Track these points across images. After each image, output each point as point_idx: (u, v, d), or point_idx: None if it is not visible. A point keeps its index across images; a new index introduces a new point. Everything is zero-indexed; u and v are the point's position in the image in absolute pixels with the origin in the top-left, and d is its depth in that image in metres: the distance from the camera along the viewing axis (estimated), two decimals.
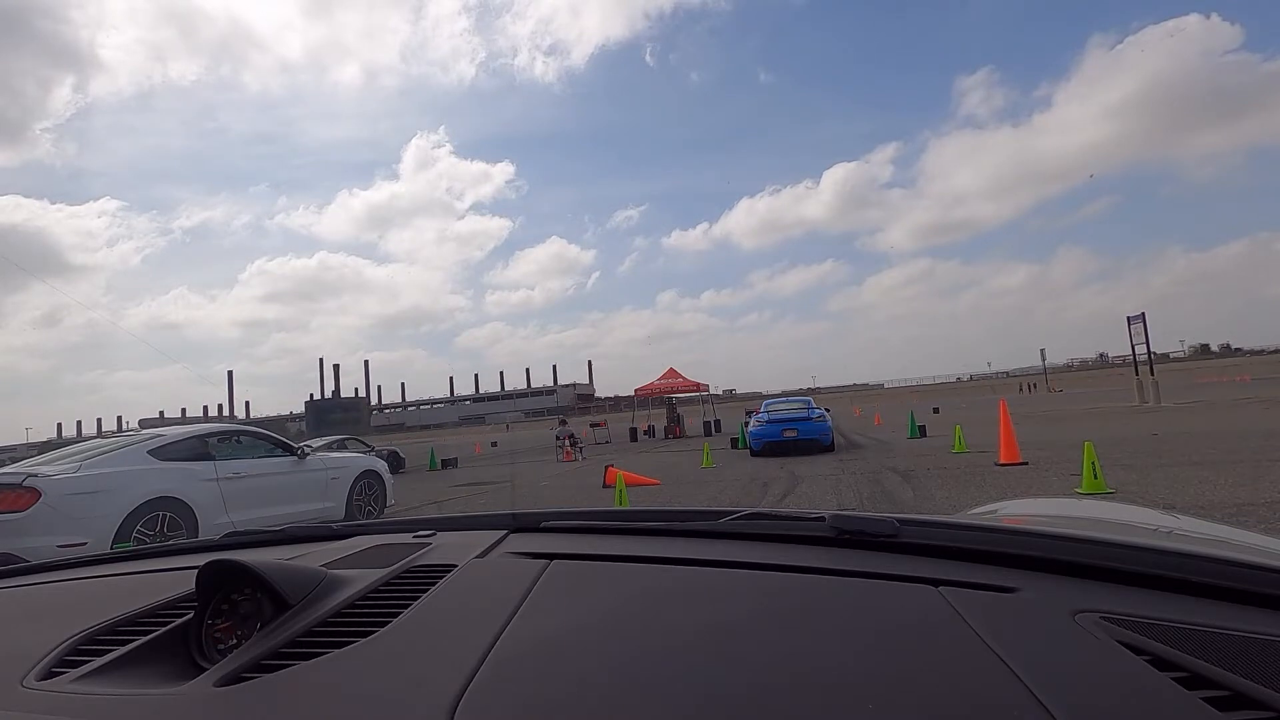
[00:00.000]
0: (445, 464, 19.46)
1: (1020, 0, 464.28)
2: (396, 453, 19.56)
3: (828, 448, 13.15)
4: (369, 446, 18.22)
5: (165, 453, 6.14)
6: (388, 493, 8.48)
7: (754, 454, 13.43)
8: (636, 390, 27.71)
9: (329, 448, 14.80)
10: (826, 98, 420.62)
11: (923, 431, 15.90)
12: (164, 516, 5.80)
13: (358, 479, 8.00)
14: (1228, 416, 14.79)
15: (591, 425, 28.97)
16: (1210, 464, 7.70)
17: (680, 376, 27.23)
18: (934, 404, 39.00)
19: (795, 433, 13.04)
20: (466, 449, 31.01)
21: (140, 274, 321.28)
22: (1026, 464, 8.83)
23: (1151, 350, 22.68)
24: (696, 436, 23.28)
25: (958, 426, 13.55)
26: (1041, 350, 61.28)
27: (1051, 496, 5.71)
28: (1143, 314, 22.43)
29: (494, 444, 31.37)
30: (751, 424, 14.01)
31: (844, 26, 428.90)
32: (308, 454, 7.46)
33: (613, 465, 10.25)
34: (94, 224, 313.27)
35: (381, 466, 8.60)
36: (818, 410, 13.87)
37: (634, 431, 26.54)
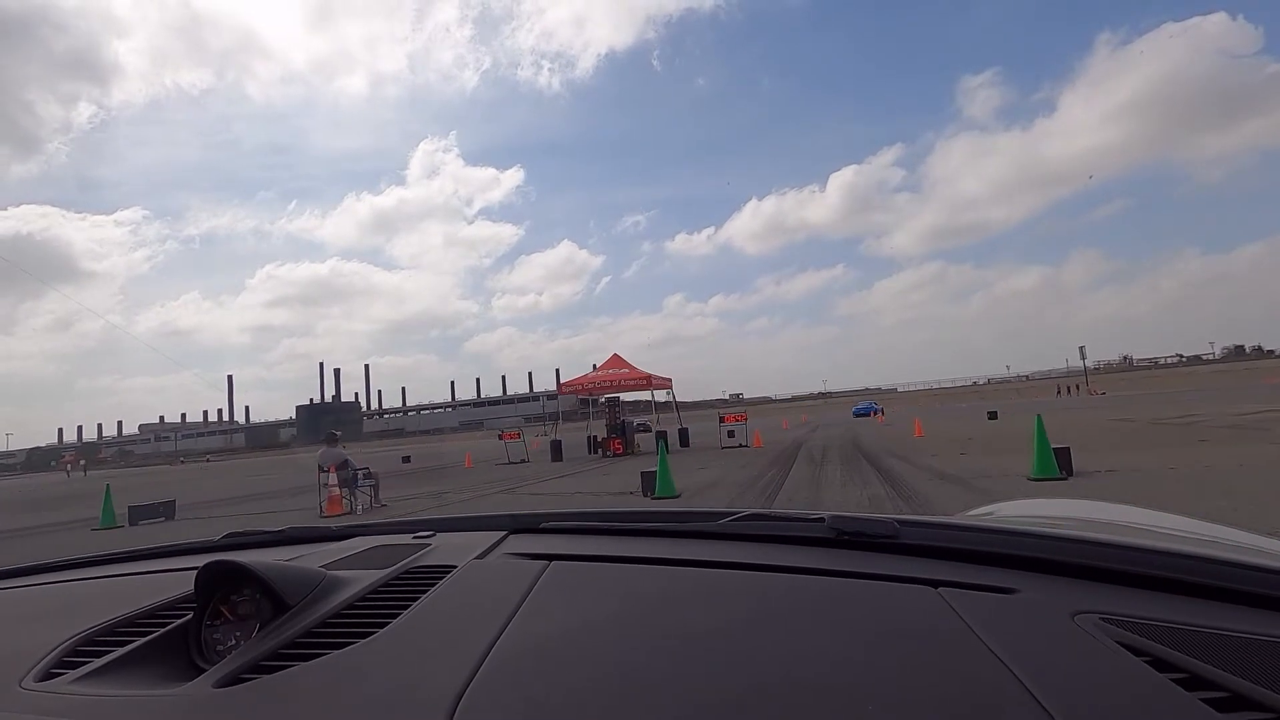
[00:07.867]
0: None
1: (1027, 3, 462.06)
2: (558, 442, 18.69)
3: (875, 414, 43.82)
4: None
5: None
6: None
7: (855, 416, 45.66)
8: (561, 386, 20.83)
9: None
10: (832, 102, 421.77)
11: (1066, 465, 8.38)
12: None
13: None
14: None
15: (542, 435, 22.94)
16: None
17: (628, 366, 19.83)
18: (961, 405, 36.13)
19: (866, 415, 44.84)
20: (457, 456, 27.04)
21: (153, 280, 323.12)
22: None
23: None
24: (650, 454, 15.45)
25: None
26: (1081, 348, 58.84)
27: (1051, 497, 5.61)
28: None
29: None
30: (855, 407, 52.46)
31: (849, 30, 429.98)
32: None
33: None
34: (111, 233, 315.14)
35: None
36: (875, 405, 51.45)
37: (557, 446, 18.89)
